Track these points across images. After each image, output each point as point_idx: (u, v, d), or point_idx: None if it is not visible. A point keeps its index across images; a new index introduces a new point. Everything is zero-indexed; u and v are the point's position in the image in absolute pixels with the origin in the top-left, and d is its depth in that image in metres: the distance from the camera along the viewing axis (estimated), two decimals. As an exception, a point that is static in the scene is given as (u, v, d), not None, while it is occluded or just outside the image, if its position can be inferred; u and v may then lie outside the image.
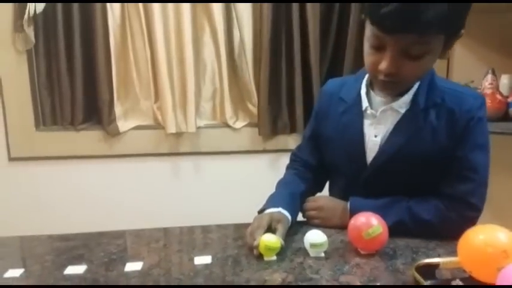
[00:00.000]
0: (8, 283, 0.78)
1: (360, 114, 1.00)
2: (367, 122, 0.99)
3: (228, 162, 2.02)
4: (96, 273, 0.80)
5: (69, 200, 1.99)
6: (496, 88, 1.67)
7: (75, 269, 0.81)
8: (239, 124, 2.00)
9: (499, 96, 1.66)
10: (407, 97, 0.95)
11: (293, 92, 1.94)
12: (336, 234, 0.94)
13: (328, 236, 0.86)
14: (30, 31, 1.81)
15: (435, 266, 0.73)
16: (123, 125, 1.95)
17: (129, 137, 1.97)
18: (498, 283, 0.62)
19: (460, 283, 0.71)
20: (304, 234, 0.87)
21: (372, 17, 0.83)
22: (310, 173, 1.14)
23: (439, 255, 0.83)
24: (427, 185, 0.96)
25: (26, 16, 1.77)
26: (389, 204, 0.96)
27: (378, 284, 0.73)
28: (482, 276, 0.68)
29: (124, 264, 0.83)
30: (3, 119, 1.91)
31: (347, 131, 1.02)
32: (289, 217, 0.96)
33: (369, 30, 0.85)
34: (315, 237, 0.84)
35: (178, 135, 1.97)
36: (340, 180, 1.10)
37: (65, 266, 0.83)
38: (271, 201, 1.02)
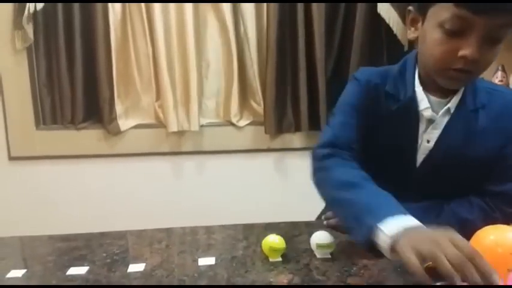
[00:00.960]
0: (11, 283, 0.77)
1: (416, 118, 0.90)
2: (421, 126, 0.91)
3: (232, 161, 2.01)
4: (98, 274, 0.79)
5: (70, 199, 1.98)
6: (506, 85, 1.66)
7: (78, 270, 0.80)
8: (243, 122, 1.99)
9: (509, 94, 1.65)
10: (459, 96, 0.89)
11: (298, 91, 1.93)
12: (343, 234, 0.92)
13: (335, 237, 0.84)
14: (29, 28, 1.79)
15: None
16: (124, 123, 1.94)
17: (130, 135, 1.96)
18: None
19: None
20: (310, 234, 0.86)
21: None
22: (355, 161, 0.94)
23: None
24: (474, 187, 0.92)
25: (25, 13, 1.76)
26: (429, 209, 0.91)
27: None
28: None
29: (126, 265, 0.81)
30: (3, 118, 1.90)
31: (399, 134, 0.92)
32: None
33: (446, 13, 0.78)
34: (321, 237, 0.83)
35: (181, 133, 1.96)
36: (380, 180, 0.91)
37: (67, 267, 0.81)
38: (389, 207, 0.77)
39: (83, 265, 0.82)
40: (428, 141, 0.91)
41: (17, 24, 1.79)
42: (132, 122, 1.97)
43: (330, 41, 1.96)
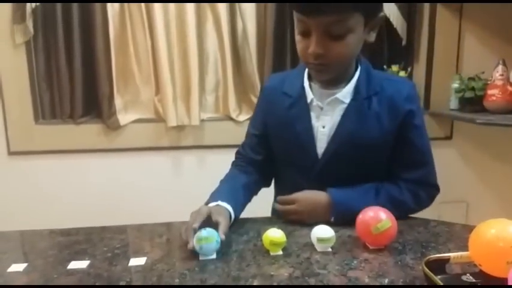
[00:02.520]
0: (12, 277, 0.77)
1: (306, 107, 1.02)
2: (313, 114, 1.02)
3: (231, 156, 1.99)
4: (99, 268, 0.79)
5: (70, 194, 1.98)
6: (507, 79, 1.66)
7: (79, 264, 0.81)
8: (243, 117, 1.98)
9: (510, 88, 1.65)
10: (350, 87, 1.00)
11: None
12: (344, 229, 0.92)
13: (336, 231, 0.84)
14: (29, 22, 1.79)
15: (445, 260, 0.72)
16: (123, 118, 1.94)
17: (129, 130, 1.95)
18: (510, 279, 0.61)
19: (471, 278, 0.70)
20: (310, 228, 0.86)
21: (293, 4, 0.89)
22: (253, 167, 1.15)
23: (449, 250, 0.81)
24: (377, 171, 1.04)
25: (28, 7, 1.75)
26: (368, 191, 1.00)
27: (386, 280, 0.72)
28: (492, 270, 0.67)
29: (127, 259, 0.82)
30: (2, 113, 1.89)
31: (295, 124, 1.04)
32: (230, 209, 0.95)
33: (295, 18, 0.91)
34: (322, 231, 0.83)
35: (180, 128, 1.95)
36: (291, 175, 1.10)
37: (68, 261, 0.82)
38: (211, 197, 1.00)
39: (84, 259, 0.82)
40: (323, 127, 1.01)
41: (17, 18, 1.78)
42: (131, 117, 1.96)
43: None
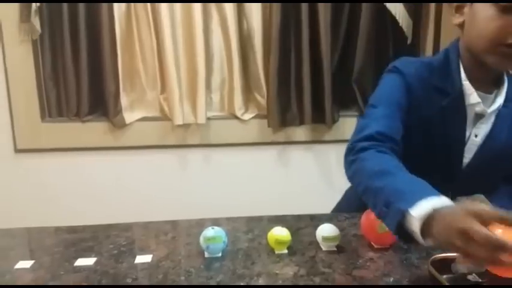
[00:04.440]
0: (19, 274, 0.78)
1: (464, 110, 0.89)
2: (469, 121, 0.90)
3: (236, 154, 2.00)
4: (106, 265, 0.80)
5: (75, 192, 1.99)
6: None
7: (85, 261, 0.81)
8: (247, 116, 1.98)
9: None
10: (503, 91, 0.90)
11: (302, 84, 1.92)
12: (349, 227, 0.92)
13: (341, 230, 0.85)
14: (36, 21, 1.79)
15: (451, 260, 0.72)
16: (129, 116, 1.94)
17: (135, 128, 1.96)
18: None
19: (477, 277, 0.70)
20: (315, 227, 0.86)
21: None
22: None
23: (454, 250, 0.81)
24: (507, 180, 0.98)
25: (33, 6, 1.76)
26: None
27: (392, 279, 0.72)
28: (497, 270, 0.67)
29: (133, 257, 0.82)
30: (9, 111, 1.90)
31: (447, 128, 0.90)
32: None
33: None
34: (327, 230, 0.83)
35: (186, 126, 1.96)
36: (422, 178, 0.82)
37: (74, 258, 0.82)
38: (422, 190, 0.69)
39: (90, 256, 0.83)
40: (476, 136, 0.90)
41: (24, 17, 1.79)
42: (137, 115, 1.97)
43: (335, 34, 1.94)
